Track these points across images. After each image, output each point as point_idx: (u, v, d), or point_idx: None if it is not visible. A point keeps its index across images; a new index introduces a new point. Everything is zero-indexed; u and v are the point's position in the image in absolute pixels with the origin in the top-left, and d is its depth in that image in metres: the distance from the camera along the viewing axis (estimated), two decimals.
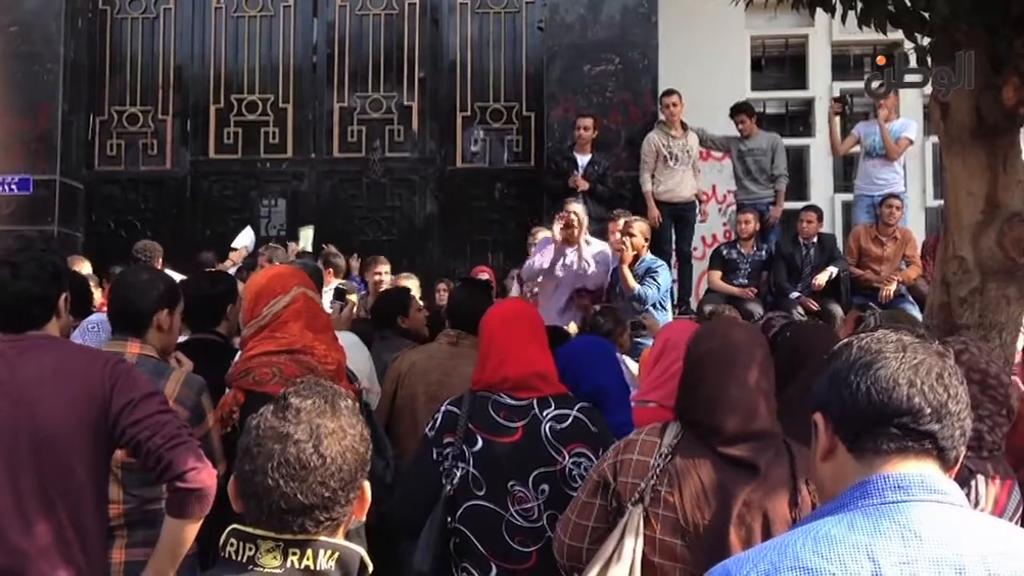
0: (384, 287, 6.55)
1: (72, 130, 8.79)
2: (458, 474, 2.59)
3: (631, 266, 5.69)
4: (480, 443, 2.59)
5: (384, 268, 6.76)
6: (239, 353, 2.95)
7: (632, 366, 4.18)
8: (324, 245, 7.24)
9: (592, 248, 5.86)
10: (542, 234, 6.36)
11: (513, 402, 2.62)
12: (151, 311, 2.73)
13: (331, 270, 6.83)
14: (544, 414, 2.60)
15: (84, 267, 6.60)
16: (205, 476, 2.23)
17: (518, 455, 2.57)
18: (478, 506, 2.57)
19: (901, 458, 1.23)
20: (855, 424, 1.26)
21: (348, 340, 3.91)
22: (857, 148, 7.91)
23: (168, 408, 2.35)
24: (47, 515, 2.23)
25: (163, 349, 2.81)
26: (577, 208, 5.89)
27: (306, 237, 7.69)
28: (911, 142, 7.71)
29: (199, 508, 2.24)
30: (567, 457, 2.56)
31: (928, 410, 1.22)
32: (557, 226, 5.74)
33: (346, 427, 1.41)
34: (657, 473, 2.10)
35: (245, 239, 7.79)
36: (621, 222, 6.03)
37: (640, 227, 5.85)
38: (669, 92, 7.68)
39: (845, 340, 1.35)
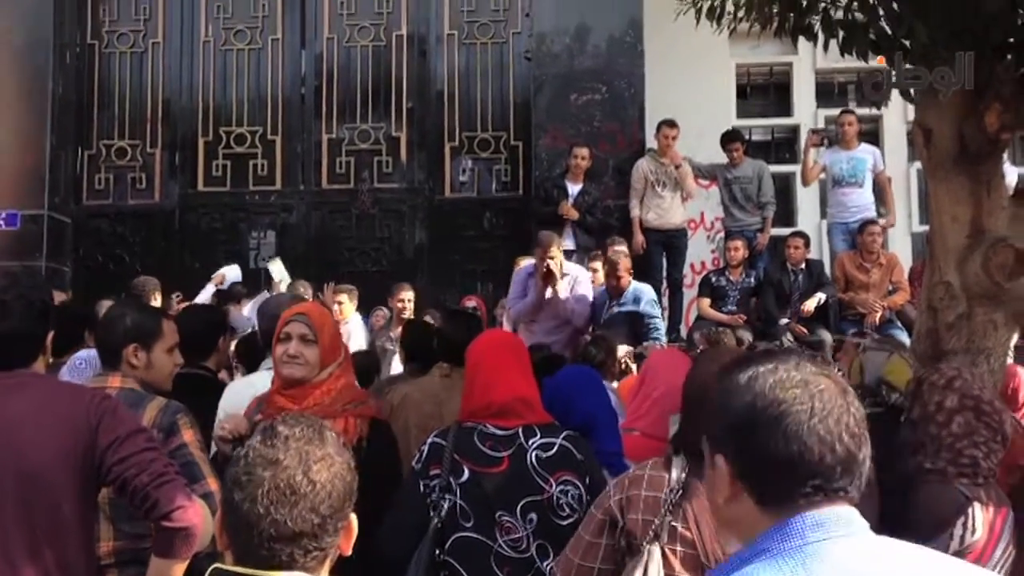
0: (407, 314, 6.53)
1: (60, 164, 8.78)
2: (445, 506, 2.57)
3: (619, 299, 5.86)
4: (466, 474, 2.58)
5: (408, 295, 6.73)
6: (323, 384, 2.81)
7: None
8: (326, 285, 7.21)
9: (575, 280, 5.90)
10: (524, 261, 6.34)
11: (499, 432, 2.62)
12: (117, 346, 2.75)
13: (351, 299, 6.84)
14: (530, 443, 2.59)
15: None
16: (191, 515, 2.20)
17: (505, 485, 2.56)
18: (466, 538, 2.55)
19: (813, 508, 1.20)
20: (763, 482, 1.22)
21: None
22: (823, 176, 7.94)
23: (155, 446, 2.32)
24: (33, 555, 2.19)
25: (150, 383, 2.77)
26: (554, 251, 5.70)
27: (278, 272, 7.58)
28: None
29: (185, 548, 2.20)
30: (554, 485, 2.55)
31: (839, 469, 1.20)
32: (537, 265, 5.73)
33: (334, 455, 1.41)
34: (670, 508, 2.05)
35: (230, 273, 7.76)
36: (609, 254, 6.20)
37: (624, 264, 6.05)
38: (671, 124, 7.60)
39: (734, 371, 1.27)
